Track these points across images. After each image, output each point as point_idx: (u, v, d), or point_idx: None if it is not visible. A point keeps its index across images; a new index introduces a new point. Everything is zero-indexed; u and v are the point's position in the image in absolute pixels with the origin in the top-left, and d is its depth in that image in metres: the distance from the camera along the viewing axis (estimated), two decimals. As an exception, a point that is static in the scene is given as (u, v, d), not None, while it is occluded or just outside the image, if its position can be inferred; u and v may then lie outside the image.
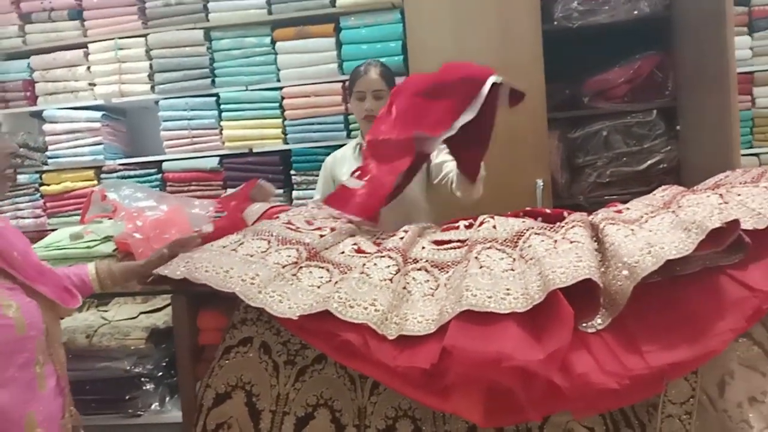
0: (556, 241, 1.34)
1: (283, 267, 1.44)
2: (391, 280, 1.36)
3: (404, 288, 1.36)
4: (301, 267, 1.46)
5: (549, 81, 2.74)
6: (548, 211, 1.64)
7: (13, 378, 1.17)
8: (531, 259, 1.31)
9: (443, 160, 2.11)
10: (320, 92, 3.13)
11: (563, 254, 1.26)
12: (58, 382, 1.30)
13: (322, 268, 1.46)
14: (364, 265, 1.41)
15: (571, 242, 1.29)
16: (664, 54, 2.94)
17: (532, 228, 1.43)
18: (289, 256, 1.49)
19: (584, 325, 1.20)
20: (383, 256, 1.43)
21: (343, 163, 2.33)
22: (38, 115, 3.40)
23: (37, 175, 3.36)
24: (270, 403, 1.45)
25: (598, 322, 1.20)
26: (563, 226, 1.40)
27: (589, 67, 2.99)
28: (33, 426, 1.19)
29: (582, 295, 1.18)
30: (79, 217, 3.14)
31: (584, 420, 1.30)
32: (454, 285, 1.33)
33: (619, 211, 1.44)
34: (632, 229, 1.30)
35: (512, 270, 1.30)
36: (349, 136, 3.10)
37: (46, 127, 3.34)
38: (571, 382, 1.12)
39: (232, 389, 1.47)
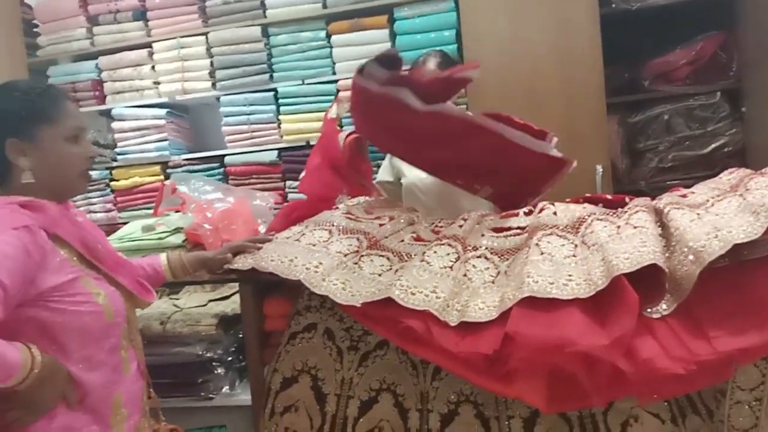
0: (619, 226, 1.33)
1: (345, 255, 1.48)
2: (451, 267, 1.38)
3: (464, 275, 1.38)
4: (362, 255, 1.49)
5: (608, 64, 2.68)
6: (609, 197, 1.62)
7: (103, 361, 1.25)
8: (594, 245, 1.30)
9: None
10: (375, 84, 3.15)
11: (627, 239, 1.25)
12: (139, 366, 1.38)
13: (383, 256, 1.49)
14: (424, 253, 1.43)
15: (635, 227, 1.28)
16: (727, 33, 2.83)
17: (594, 214, 1.42)
18: (350, 245, 1.53)
19: (649, 310, 1.19)
20: (443, 244, 1.45)
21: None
22: (107, 114, 3.52)
23: (108, 171, 3.48)
24: (335, 387, 1.49)
25: (663, 307, 1.19)
26: (626, 212, 1.38)
27: (649, 49, 2.90)
28: (119, 406, 1.27)
29: (646, 280, 1.17)
30: (147, 210, 3.29)
31: (649, 406, 1.29)
32: (515, 272, 1.33)
33: (684, 196, 1.41)
34: (698, 214, 1.27)
35: (574, 256, 1.30)
36: (404, 127, 3.11)
37: (115, 125, 3.47)
38: (636, 368, 1.12)
39: (299, 373, 1.52)
